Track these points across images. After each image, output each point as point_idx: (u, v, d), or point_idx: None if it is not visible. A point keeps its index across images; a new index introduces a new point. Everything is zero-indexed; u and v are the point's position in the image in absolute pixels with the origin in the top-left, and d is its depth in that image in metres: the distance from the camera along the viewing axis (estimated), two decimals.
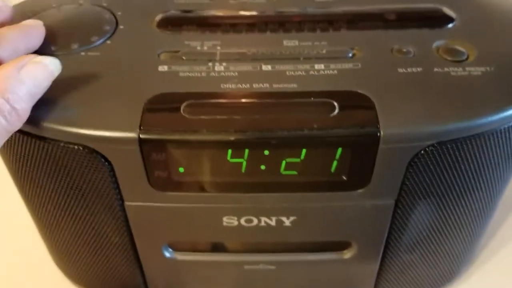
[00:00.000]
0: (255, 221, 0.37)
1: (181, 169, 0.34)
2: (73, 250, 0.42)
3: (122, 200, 0.36)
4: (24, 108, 0.30)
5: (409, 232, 0.39)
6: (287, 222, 0.37)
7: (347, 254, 0.41)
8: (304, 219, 0.37)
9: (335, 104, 0.32)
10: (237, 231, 0.38)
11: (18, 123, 0.30)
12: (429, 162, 0.33)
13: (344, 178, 0.34)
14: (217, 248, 0.42)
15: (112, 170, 0.33)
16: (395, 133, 0.32)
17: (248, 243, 0.41)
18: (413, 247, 0.41)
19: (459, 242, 0.42)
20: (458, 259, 0.45)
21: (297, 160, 0.33)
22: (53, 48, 0.37)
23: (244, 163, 0.33)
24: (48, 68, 0.32)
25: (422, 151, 0.33)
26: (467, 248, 0.44)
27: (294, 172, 0.34)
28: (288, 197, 0.36)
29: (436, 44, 0.37)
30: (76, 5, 0.42)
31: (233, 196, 0.35)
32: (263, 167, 0.34)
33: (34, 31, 0.37)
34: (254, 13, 0.42)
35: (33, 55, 0.32)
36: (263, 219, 0.37)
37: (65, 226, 0.39)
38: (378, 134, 0.31)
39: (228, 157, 0.33)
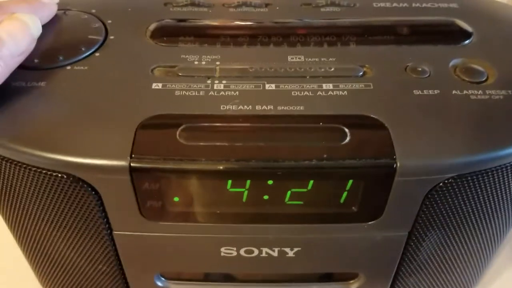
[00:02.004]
0: (256, 252, 0.34)
1: (176, 199, 0.31)
2: (58, 275, 0.39)
3: (110, 229, 0.33)
4: (1, 69, 0.29)
5: (420, 263, 0.36)
6: (290, 253, 0.34)
7: (354, 285, 0.38)
8: (309, 250, 0.34)
9: (346, 130, 0.30)
10: (236, 262, 0.35)
11: None
12: (447, 194, 0.31)
13: (354, 209, 0.31)
14: (213, 277, 0.39)
15: (99, 199, 0.30)
16: (412, 165, 0.29)
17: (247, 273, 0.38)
18: (423, 276, 0.38)
19: (470, 269, 0.40)
20: (468, 283, 0.42)
21: (304, 190, 0.30)
22: (36, 61, 0.34)
23: (246, 193, 0.30)
24: (28, 26, 0.30)
25: (441, 184, 0.30)
26: (477, 273, 0.42)
27: (300, 202, 0.31)
28: (292, 229, 0.33)
29: (453, 62, 0.35)
30: (62, 11, 0.38)
31: (232, 226, 0.33)
32: (266, 197, 0.31)
33: (44, 8, 0.34)
34: (255, 23, 0.39)
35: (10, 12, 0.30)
36: (265, 250, 0.34)
37: (49, 252, 0.36)
38: (394, 166, 0.28)
39: (228, 187, 0.30)
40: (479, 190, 0.31)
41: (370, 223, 0.32)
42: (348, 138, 0.29)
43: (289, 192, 0.30)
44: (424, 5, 0.41)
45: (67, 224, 0.32)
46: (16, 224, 0.35)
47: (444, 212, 0.32)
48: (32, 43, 0.32)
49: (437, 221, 0.32)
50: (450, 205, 0.31)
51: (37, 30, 0.32)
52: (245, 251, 0.34)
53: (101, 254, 0.35)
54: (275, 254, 0.34)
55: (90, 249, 0.35)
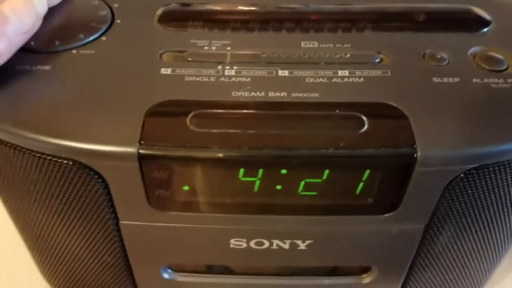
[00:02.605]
0: (266, 244, 0.33)
1: (186, 188, 0.30)
2: (61, 266, 0.38)
3: (116, 219, 0.32)
4: (5, 46, 0.28)
5: (436, 257, 0.35)
6: (302, 245, 0.33)
7: (367, 279, 0.37)
8: (322, 243, 0.33)
9: (364, 118, 0.28)
10: (246, 254, 0.34)
11: None
12: (467, 186, 0.29)
13: (370, 201, 0.30)
14: (222, 269, 0.38)
15: (106, 187, 0.29)
16: (433, 155, 0.27)
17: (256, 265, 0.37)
18: (437, 271, 0.37)
19: (484, 264, 0.39)
20: (481, 278, 0.41)
21: (318, 180, 0.29)
22: (41, 43, 0.32)
23: (258, 183, 0.29)
24: (32, 3, 0.29)
25: (462, 175, 0.29)
26: (489, 269, 0.41)
27: (314, 193, 0.30)
28: (304, 220, 0.32)
29: (472, 50, 0.33)
30: None
31: (243, 217, 0.31)
32: (278, 187, 0.30)
33: None
34: (267, 8, 0.37)
35: None
36: (276, 242, 0.33)
37: (53, 242, 0.35)
38: (415, 155, 0.27)
39: (240, 176, 0.29)
40: (499, 181, 0.30)
41: (386, 215, 0.31)
42: (366, 126, 0.28)
43: (302, 182, 0.29)
44: None
45: (71, 213, 0.31)
46: (18, 212, 0.34)
47: (463, 204, 0.31)
48: (37, 21, 0.31)
49: (456, 214, 0.31)
50: (469, 197, 0.30)
51: (42, 8, 0.31)
52: (255, 243, 0.33)
53: (106, 245, 0.34)
54: (286, 246, 0.33)
55: (95, 239, 0.33)
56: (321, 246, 0.33)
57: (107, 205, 0.30)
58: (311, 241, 0.33)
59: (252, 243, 0.33)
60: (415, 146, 0.27)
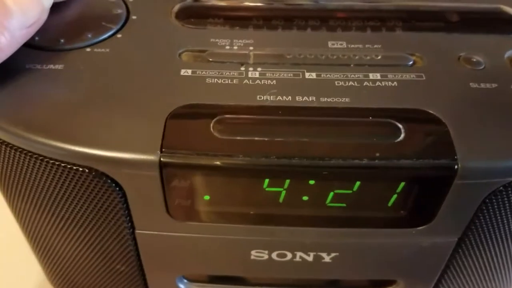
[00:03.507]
0: (289, 255, 0.31)
1: (207, 197, 0.28)
2: (71, 273, 0.36)
3: (132, 228, 0.30)
4: (7, 41, 0.26)
5: (465, 270, 0.34)
6: (326, 258, 0.31)
7: None
8: (347, 255, 0.31)
9: (400, 126, 0.26)
10: (266, 266, 0.32)
11: None
12: (505, 199, 0.28)
13: (403, 213, 0.28)
14: (240, 279, 0.36)
15: (123, 196, 0.27)
16: (475, 167, 0.26)
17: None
18: (465, 282, 0.35)
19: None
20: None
21: (348, 191, 0.27)
22: (52, 41, 0.30)
23: (283, 193, 0.27)
24: None
25: (501, 187, 0.27)
26: None
27: (342, 205, 0.28)
28: (331, 233, 0.30)
29: (508, 54, 0.31)
30: None
31: (266, 228, 0.30)
32: (305, 198, 0.28)
33: None
34: (290, 5, 0.35)
35: None
36: (299, 254, 0.31)
37: (63, 249, 0.33)
38: (456, 167, 0.25)
39: (265, 186, 0.27)
40: None
41: (418, 228, 0.29)
42: (402, 135, 0.26)
43: (331, 193, 0.27)
44: None
45: (85, 221, 0.30)
46: (27, 219, 0.33)
47: (500, 216, 0.29)
48: (43, 14, 0.29)
49: (491, 226, 0.29)
50: (507, 209, 0.28)
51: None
52: (277, 255, 0.31)
53: (121, 254, 0.32)
54: (310, 258, 0.32)
55: (108, 248, 0.32)
56: (346, 259, 0.32)
57: (123, 214, 0.29)
58: (337, 253, 0.31)
59: (274, 255, 0.31)
60: (455, 157, 0.25)
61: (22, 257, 0.42)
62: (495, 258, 0.33)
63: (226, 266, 0.34)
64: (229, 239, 0.30)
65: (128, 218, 0.29)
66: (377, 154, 0.25)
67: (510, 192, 0.27)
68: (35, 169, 0.27)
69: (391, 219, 0.29)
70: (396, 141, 0.26)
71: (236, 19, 0.34)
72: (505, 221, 0.29)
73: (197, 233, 0.30)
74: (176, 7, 0.34)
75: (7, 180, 0.30)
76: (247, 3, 0.36)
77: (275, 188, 0.27)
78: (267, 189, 0.27)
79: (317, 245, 0.31)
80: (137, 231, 0.30)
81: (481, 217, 0.29)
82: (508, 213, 0.29)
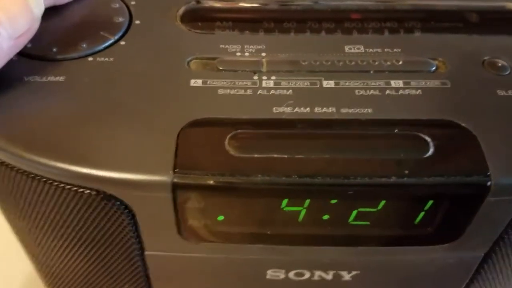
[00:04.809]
0: (307, 275, 0.30)
1: (221, 218, 0.26)
2: None
3: (142, 249, 0.28)
4: None
5: (489, 281, 0.32)
6: (347, 276, 0.30)
7: None
8: (369, 273, 0.30)
9: (428, 140, 0.25)
10: (282, 285, 0.31)
11: None
12: None
13: (430, 230, 0.27)
14: None
15: (132, 217, 0.26)
16: (508, 183, 0.24)
17: None
18: None
19: None
20: None
21: (373, 210, 0.26)
22: (53, 50, 0.28)
23: (303, 212, 0.26)
24: (26, 1, 0.25)
25: None
26: None
27: (366, 223, 0.26)
28: (353, 251, 0.28)
29: None
30: None
31: (284, 248, 0.28)
32: (326, 217, 0.26)
33: None
34: (302, 6, 0.33)
35: None
36: (318, 273, 0.30)
37: (69, 270, 0.32)
38: (489, 183, 0.24)
39: (283, 206, 0.25)
40: None
41: (444, 245, 0.27)
42: (431, 150, 0.24)
43: (355, 212, 0.26)
44: None
45: (91, 242, 0.28)
46: (29, 238, 0.31)
47: None
48: (33, 23, 0.26)
49: None
50: None
51: (38, 7, 0.26)
52: (295, 274, 0.30)
53: (129, 275, 0.30)
54: (329, 277, 0.30)
55: (116, 268, 0.30)
56: (368, 277, 0.30)
57: (132, 236, 0.27)
58: (358, 272, 0.30)
59: (291, 274, 0.30)
60: (488, 173, 0.24)
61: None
62: None
63: (239, 286, 0.32)
64: (243, 258, 0.29)
65: (137, 239, 0.27)
66: (406, 172, 0.24)
67: None
68: (36, 191, 0.25)
69: (417, 236, 0.27)
70: (424, 156, 0.24)
71: (245, 21, 0.32)
72: None
73: (209, 254, 0.28)
74: (181, 10, 0.32)
75: (7, 200, 0.28)
76: (255, 4, 0.34)
77: (294, 207, 0.26)
78: (285, 208, 0.25)
79: (338, 263, 0.29)
80: (146, 252, 0.28)
81: (510, 232, 0.27)
82: None
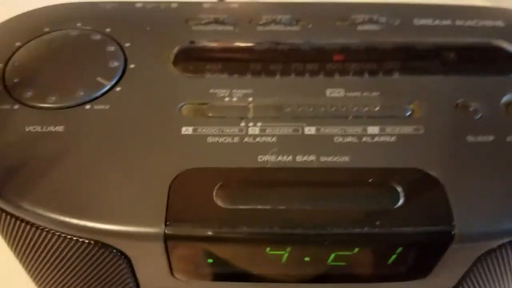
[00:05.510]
0: None
1: (210, 261, 0.28)
2: None
3: (138, 287, 0.31)
4: None
5: None
6: None
7: None
8: None
9: (399, 190, 0.27)
10: None
11: None
12: (499, 257, 0.28)
13: (401, 270, 0.29)
14: None
15: (128, 262, 0.28)
16: (471, 232, 0.26)
17: None
18: None
19: None
20: None
21: (349, 253, 0.28)
22: (52, 98, 0.30)
23: (286, 255, 0.28)
24: None
25: (496, 247, 0.28)
26: None
27: (344, 263, 0.29)
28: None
29: (505, 99, 0.32)
30: (73, 30, 0.35)
31: (269, 285, 0.30)
32: (307, 258, 0.28)
33: None
34: (287, 47, 0.35)
35: None
36: None
37: None
38: (453, 232, 0.26)
39: (267, 250, 0.28)
40: None
41: (415, 281, 0.30)
42: (401, 200, 0.27)
43: (333, 255, 0.28)
44: (468, 23, 0.37)
45: (92, 284, 0.30)
46: (34, 280, 0.33)
47: (493, 272, 0.30)
48: None
49: (485, 280, 0.30)
50: (500, 266, 0.29)
51: None
52: None
53: None
54: None
55: None
56: None
57: (128, 276, 0.29)
58: None
59: None
60: (453, 223, 0.26)
61: None
62: None
63: None
64: None
65: (133, 279, 0.29)
66: (377, 223, 0.26)
67: (503, 251, 0.28)
68: (39, 239, 0.28)
69: (390, 274, 0.29)
70: (395, 207, 0.26)
71: (234, 62, 0.34)
72: (498, 273, 0.30)
73: None
74: (175, 51, 0.34)
75: (16, 249, 0.30)
76: (244, 44, 0.35)
77: (277, 251, 0.28)
78: (269, 252, 0.28)
79: None
80: None
81: (475, 271, 0.30)
82: (501, 267, 0.30)
